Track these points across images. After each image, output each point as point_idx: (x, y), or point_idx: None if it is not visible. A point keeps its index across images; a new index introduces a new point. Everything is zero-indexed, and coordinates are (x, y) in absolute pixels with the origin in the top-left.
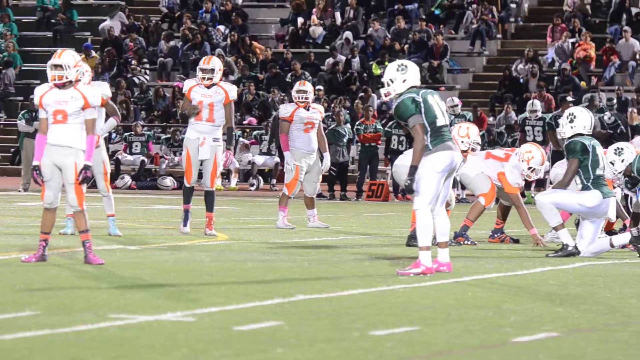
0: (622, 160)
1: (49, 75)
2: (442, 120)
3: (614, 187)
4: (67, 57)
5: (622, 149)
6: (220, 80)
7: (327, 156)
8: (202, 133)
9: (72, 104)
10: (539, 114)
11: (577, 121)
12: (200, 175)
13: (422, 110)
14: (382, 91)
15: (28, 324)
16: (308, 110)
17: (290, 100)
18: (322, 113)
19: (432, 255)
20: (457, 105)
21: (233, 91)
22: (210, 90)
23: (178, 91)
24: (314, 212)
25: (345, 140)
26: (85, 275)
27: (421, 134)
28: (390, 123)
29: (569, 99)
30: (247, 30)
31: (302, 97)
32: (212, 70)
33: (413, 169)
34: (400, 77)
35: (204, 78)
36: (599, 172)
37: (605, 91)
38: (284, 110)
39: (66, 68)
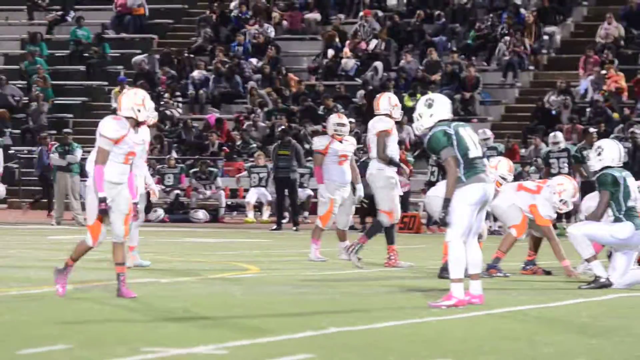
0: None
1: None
2: (474, 152)
3: None
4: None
5: None
6: None
7: (360, 187)
8: None
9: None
10: (562, 145)
11: (605, 153)
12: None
13: (455, 142)
14: (413, 126)
15: (61, 358)
16: (342, 143)
17: (324, 133)
18: (354, 145)
19: (464, 287)
20: (489, 138)
21: None
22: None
23: (209, 124)
24: (347, 245)
25: None
26: (118, 308)
27: (453, 166)
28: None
29: (592, 130)
30: (279, 63)
31: (339, 131)
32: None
33: (447, 202)
34: (427, 111)
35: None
36: (630, 203)
37: (637, 123)
38: (319, 142)
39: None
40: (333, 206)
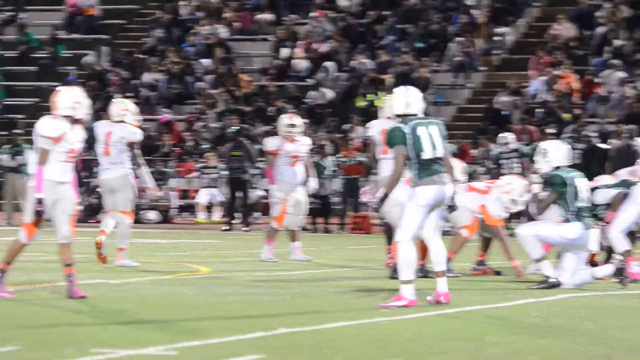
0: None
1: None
2: (429, 153)
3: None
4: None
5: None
6: None
7: (313, 180)
8: None
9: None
10: (512, 146)
11: (550, 155)
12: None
13: (409, 142)
14: None
15: None
16: (294, 144)
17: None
18: (308, 145)
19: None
20: None
21: None
22: None
23: (161, 125)
24: (298, 245)
25: (329, 172)
26: (68, 310)
27: (399, 164)
28: None
29: (548, 131)
30: (231, 64)
31: (290, 132)
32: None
33: (384, 197)
34: (388, 104)
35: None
36: (580, 204)
37: (588, 123)
38: (270, 143)
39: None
40: (285, 206)
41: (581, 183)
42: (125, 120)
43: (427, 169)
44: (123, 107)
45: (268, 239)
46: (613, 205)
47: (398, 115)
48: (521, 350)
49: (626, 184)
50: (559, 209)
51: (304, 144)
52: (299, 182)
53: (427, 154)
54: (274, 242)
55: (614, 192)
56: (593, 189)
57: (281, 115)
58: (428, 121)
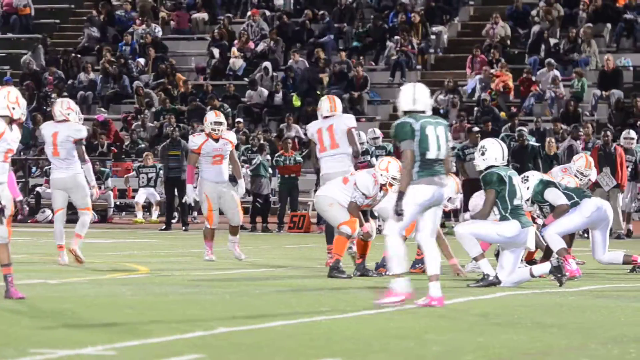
0: (528, 188)
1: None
2: (434, 153)
3: (533, 218)
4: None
5: (527, 177)
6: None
7: (241, 183)
8: None
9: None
10: (449, 144)
11: (488, 153)
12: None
13: (416, 139)
14: None
15: None
16: (218, 142)
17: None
18: (233, 143)
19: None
20: (378, 138)
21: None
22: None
23: (98, 124)
24: (237, 240)
25: (267, 172)
26: (6, 310)
27: (410, 159)
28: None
29: (475, 129)
30: (167, 63)
31: (216, 130)
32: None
33: (401, 195)
34: (398, 100)
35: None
36: (516, 202)
37: (525, 122)
38: (193, 141)
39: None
40: (211, 204)
41: (517, 181)
42: (69, 119)
43: (428, 168)
44: (66, 106)
45: (205, 239)
46: (556, 212)
47: (405, 112)
48: (460, 348)
49: (580, 194)
50: (496, 207)
51: (229, 141)
52: (222, 180)
53: (431, 154)
54: (210, 241)
55: (563, 197)
56: (547, 184)
57: (207, 112)
58: (436, 121)
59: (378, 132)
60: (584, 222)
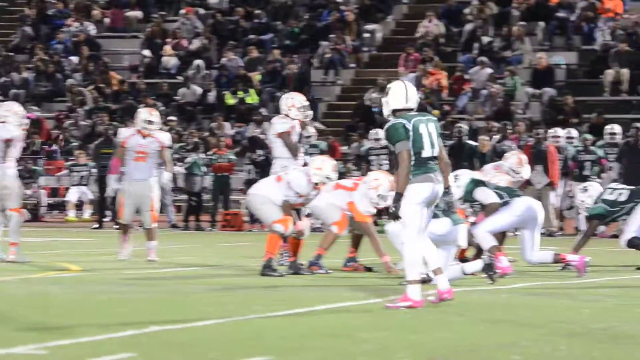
0: (458, 187)
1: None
2: (428, 151)
3: (466, 216)
4: None
5: (457, 175)
6: None
7: (166, 174)
8: None
9: None
10: (382, 142)
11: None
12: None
13: (410, 138)
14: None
15: None
16: (145, 139)
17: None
18: (163, 145)
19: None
20: (311, 136)
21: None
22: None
23: (31, 123)
24: (152, 246)
25: (200, 170)
26: None
27: (407, 160)
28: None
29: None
30: (100, 61)
31: (147, 128)
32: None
33: (398, 196)
34: (384, 100)
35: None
36: (446, 198)
37: (457, 119)
38: (122, 134)
39: None
40: (122, 199)
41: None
42: (7, 121)
43: (423, 166)
44: (6, 108)
45: (120, 235)
46: (487, 211)
47: (396, 110)
48: (392, 346)
49: (511, 193)
50: None
51: (159, 141)
52: (141, 178)
53: (426, 152)
54: (125, 236)
55: (494, 196)
56: (478, 183)
57: (140, 109)
58: (426, 118)
59: (312, 130)
60: (513, 221)
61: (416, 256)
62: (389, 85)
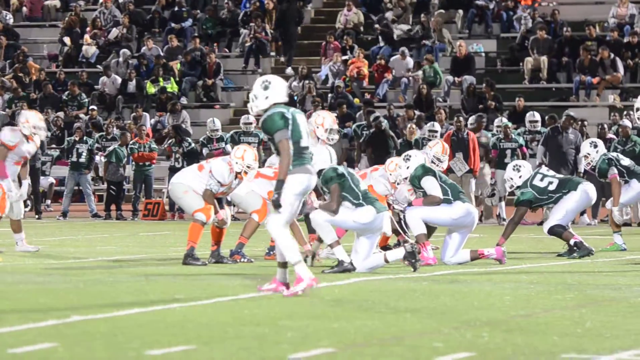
0: (408, 168)
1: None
2: (305, 141)
3: (389, 204)
4: None
5: (409, 156)
6: None
7: (25, 183)
8: None
9: None
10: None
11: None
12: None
13: (290, 127)
14: (248, 106)
15: None
16: (29, 143)
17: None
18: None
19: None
20: (251, 123)
21: None
22: None
23: None
24: (20, 237)
25: (122, 159)
26: None
27: (287, 148)
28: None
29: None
30: (19, 50)
31: (36, 133)
32: None
33: (280, 183)
34: (263, 93)
35: None
36: (363, 187)
37: (377, 108)
38: (9, 137)
39: None
40: (5, 194)
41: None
42: None
43: (302, 156)
44: None
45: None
46: (427, 200)
47: (276, 104)
48: (315, 333)
49: (455, 194)
50: (347, 201)
51: (37, 145)
52: (15, 178)
53: (304, 142)
54: (21, 232)
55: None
56: (427, 171)
57: (27, 112)
58: (298, 110)
59: (252, 119)
60: (448, 221)
61: (288, 239)
62: (266, 80)
